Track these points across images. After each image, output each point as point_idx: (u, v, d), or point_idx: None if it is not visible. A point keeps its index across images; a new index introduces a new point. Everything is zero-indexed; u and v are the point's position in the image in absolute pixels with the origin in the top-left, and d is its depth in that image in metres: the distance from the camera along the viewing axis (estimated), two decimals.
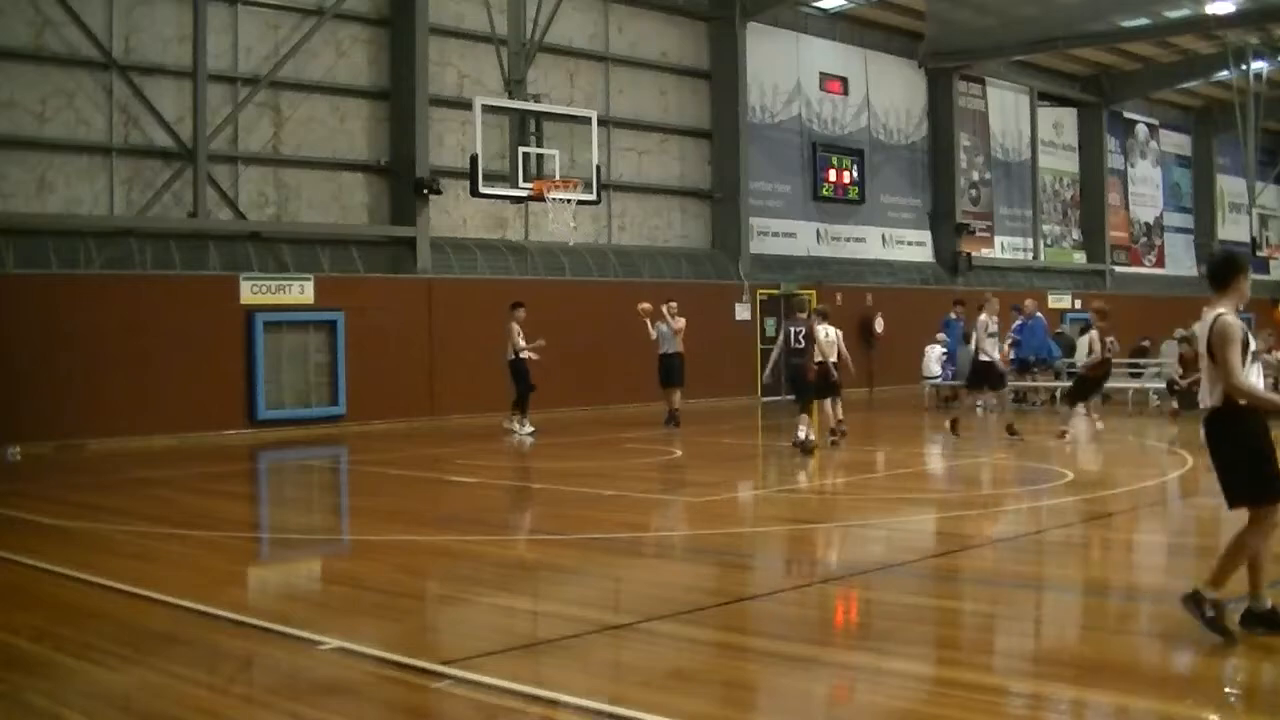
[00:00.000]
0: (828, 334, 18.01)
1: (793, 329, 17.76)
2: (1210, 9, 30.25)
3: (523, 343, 20.33)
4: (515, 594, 8.81)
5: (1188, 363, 22.78)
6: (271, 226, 22.45)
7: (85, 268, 19.92)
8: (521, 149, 20.72)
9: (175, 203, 21.41)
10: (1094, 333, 19.11)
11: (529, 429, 20.41)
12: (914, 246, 34.12)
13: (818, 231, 31.45)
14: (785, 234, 30.62)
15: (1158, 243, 43.82)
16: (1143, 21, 31.49)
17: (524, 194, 20.97)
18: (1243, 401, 6.89)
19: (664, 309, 21.78)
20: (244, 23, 22.25)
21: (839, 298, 30.62)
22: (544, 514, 13.04)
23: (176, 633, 7.59)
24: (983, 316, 18.83)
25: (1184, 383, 22.58)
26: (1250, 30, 33.63)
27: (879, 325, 31.03)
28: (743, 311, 28.70)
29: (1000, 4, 31.06)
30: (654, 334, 21.73)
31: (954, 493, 14.33)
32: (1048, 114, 38.96)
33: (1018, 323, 26.29)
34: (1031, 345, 25.23)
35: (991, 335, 18.92)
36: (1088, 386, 20.03)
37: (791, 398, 18.59)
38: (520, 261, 25.24)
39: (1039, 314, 26.31)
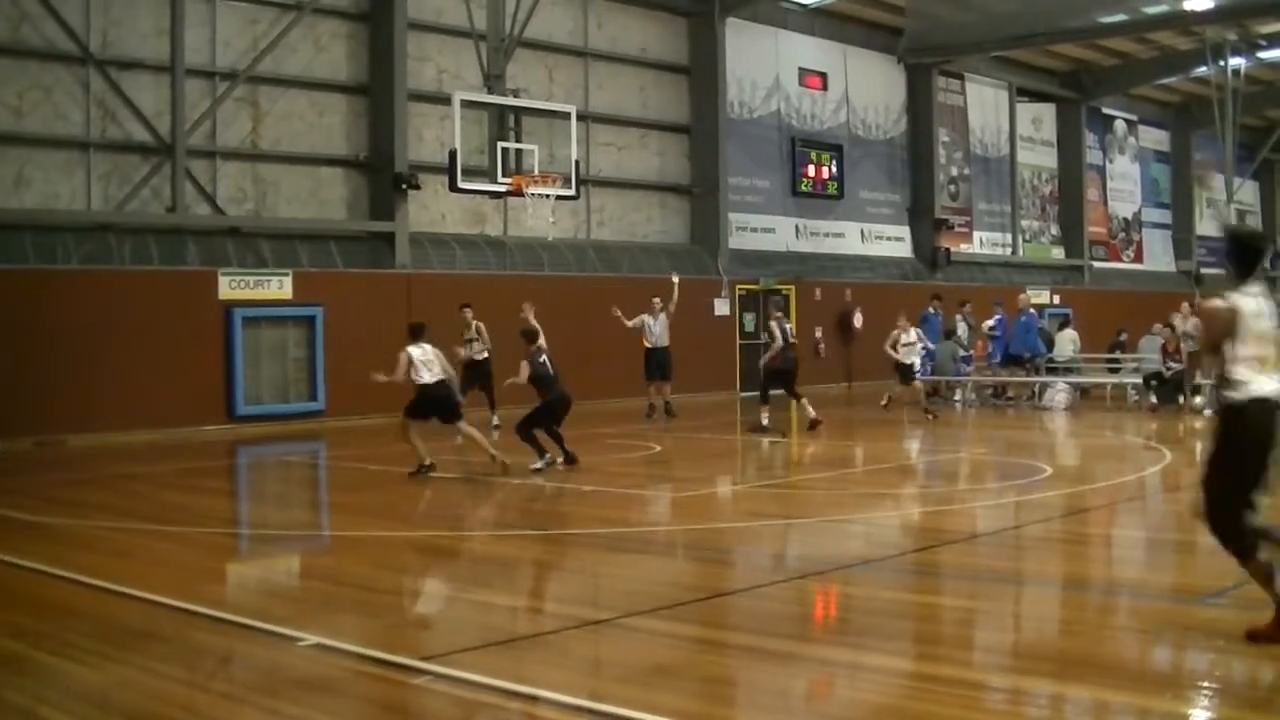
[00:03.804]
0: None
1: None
2: (1188, 5, 30.31)
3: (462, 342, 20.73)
4: (494, 590, 8.80)
5: (1168, 353, 22.90)
6: (250, 222, 22.39)
7: (63, 263, 19.83)
8: (500, 144, 20.64)
9: (153, 198, 21.33)
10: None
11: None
12: (893, 242, 34.16)
13: (796, 227, 31.47)
14: (764, 229, 30.63)
15: (1136, 238, 43.98)
16: (1121, 18, 31.54)
17: (503, 189, 20.91)
18: None
19: (653, 303, 22.16)
20: (222, 17, 22.16)
21: (818, 293, 30.69)
22: (523, 509, 13.03)
23: (155, 629, 7.57)
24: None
25: (1168, 373, 22.63)
26: (1228, 26, 33.71)
27: (858, 320, 31.09)
28: (722, 307, 28.72)
29: (979, 0, 31.14)
30: (631, 323, 22.03)
31: (933, 488, 14.37)
32: (1026, 110, 39.05)
33: (997, 317, 26.37)
34: (1025, 341, 25.24)
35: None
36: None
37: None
38: (499, 257, 25.22)
39: (1031, 309, 26.34)
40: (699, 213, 29.33)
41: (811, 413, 19.36)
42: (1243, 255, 6.89)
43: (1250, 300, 6.69)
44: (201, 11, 21.83)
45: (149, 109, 21.17)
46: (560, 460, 14.97)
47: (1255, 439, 6.54)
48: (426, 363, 14.86)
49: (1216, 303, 6.80)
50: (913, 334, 23.20)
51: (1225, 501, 6.56)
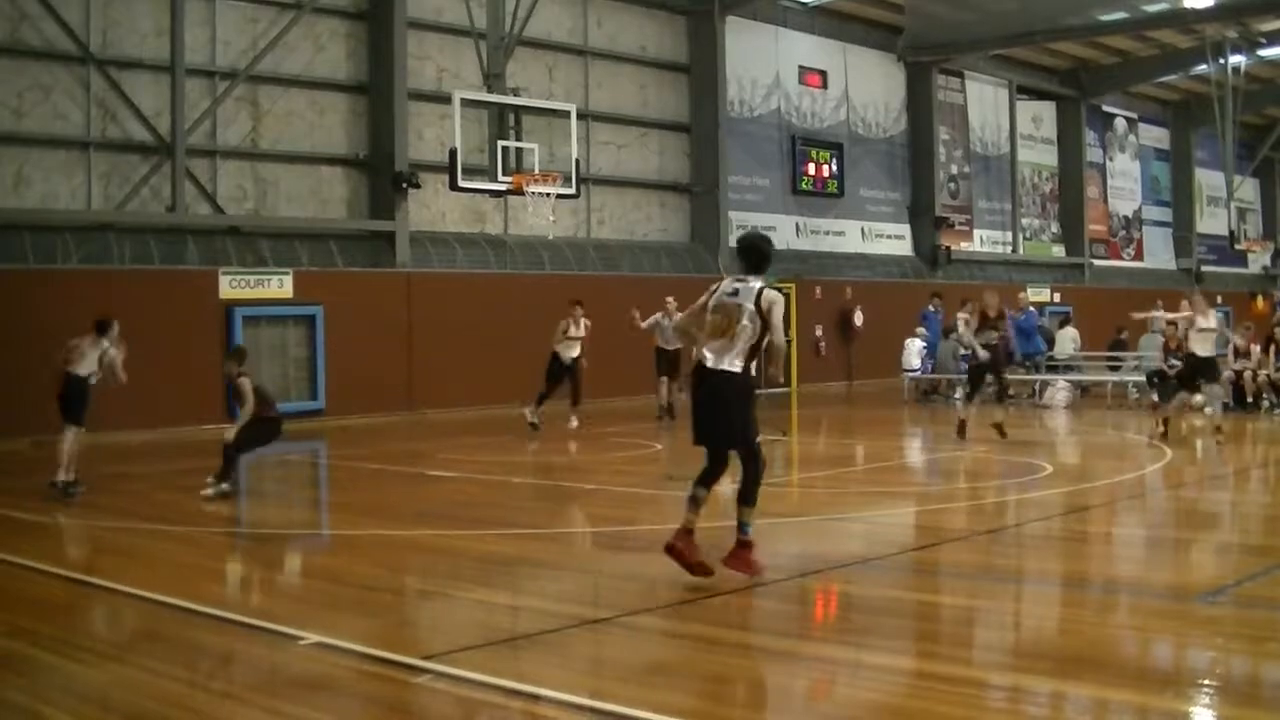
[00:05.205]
0: None
1: None
2: (1188, 3, 30.36)
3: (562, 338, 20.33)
4: (495, 589, 8.80)
5: (1170, 350, 22.85)
6: (250, 221, 22.39)
7: (63, 263, 19.83)
8: (500, 143, 20.65)
9: (153, 197, 21.33)
10: None
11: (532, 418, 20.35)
12: (893, 240, 34.16)
13: (797, 225, 31.47)
14: (764, 227, 30.50)
15: (1136, 236, 43.99)
16: (1121, 15, 31.58)
17: (503, 188, 20.92)
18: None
19: (666, 303, 21.93)
20: (222, 16, 22.16)
21: (818, 291, 30.68)
22: (524, 508, 13.02)
23: (155, 629, 7.57)
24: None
25: (1170, 370, 22.54)
26: (1228, 24, 33.74)
27: (858, 319, 31.10)
28: None
29: None
30: (643, 324, 21.81)
31: (933, 486, 14.38)
32: (1026, 108, 39.04)
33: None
34: (1025, 340, 25.15)
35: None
36: None
37: None
38: (499, 255, 25.21)
39: (1031, 309, 26.28)
40: (699, 211, 29.34)
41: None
42: (748, 255, 8.59)
43: (731, 283, 8.39)
44: (201, 11, 21.82)
45: (149, 109, 21.17)
46: (226, 486, 13.69)
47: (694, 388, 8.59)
48: (86, 358, 14.08)
49: (713, 286, 8.56)
50: (1213, 318, 17.09)
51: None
